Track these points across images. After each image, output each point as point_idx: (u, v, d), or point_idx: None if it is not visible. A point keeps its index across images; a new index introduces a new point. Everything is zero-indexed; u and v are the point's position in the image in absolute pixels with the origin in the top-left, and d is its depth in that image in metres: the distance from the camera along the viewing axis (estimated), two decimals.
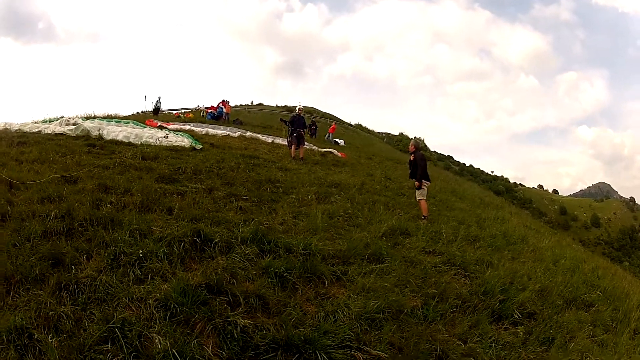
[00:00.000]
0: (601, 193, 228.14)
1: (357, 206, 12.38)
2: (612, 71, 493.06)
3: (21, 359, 4.72)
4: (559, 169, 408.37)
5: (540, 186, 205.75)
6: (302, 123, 24.05)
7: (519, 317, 7.33)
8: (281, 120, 31.40)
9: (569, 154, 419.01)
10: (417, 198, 13.76)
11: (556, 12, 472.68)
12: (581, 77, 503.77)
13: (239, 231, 8.19)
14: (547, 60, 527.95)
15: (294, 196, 12.40)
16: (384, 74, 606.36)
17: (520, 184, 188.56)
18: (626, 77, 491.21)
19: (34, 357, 4.74)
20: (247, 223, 8.84)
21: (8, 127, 19.37)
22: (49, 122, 21.48)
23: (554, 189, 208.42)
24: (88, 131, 18.51)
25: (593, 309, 8.67)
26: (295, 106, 29.70)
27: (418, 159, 14.22)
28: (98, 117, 25.04)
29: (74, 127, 19.13)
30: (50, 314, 5.27)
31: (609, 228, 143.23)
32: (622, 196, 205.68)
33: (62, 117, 22.11)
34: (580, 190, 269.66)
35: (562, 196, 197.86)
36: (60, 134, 18.31)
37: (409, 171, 14.56)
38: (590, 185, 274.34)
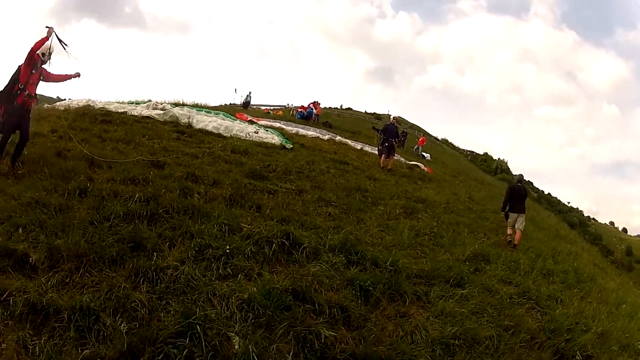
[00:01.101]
0: None
1: (442, 225, 12.29)
2: None
3: (80, 341, 4.66)
4: (633, 206, 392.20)
5: (612, 223, 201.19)
6: (394, 133, 23.59)
7: (579, 358, 7.28)
8: (373, 128, 31.40)
9: None
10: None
11: (637, 37, 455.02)
12: None
13: (327, 238, 8.16)
14: (629, 88, 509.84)
15: (382, 208, 12.34)
16: (472, 89, 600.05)
17: (593, 219, 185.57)
18: None
19: (96, 342, 4.69)
20: (336, 231, 8.81)
21: (91, 105, 19.49)
22: (136, 104, 21.41)
23: (624, 228, 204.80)
24: (177, 118, 18.63)
25: None
26: (389, 115, 28.74)
27: (506, 191, 15.51)
28: (187, 105, 25.23)
29: (162, 112, 19.21)
30: (122, 298, 5.28)
31: None
32: None
33: (149, 101, 22.34)
34: None
35: (630, 236, 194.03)
36: (147, 117, 18.30)
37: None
38: None
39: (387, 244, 9.23)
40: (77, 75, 10.26)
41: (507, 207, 14.76)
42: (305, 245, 7.54)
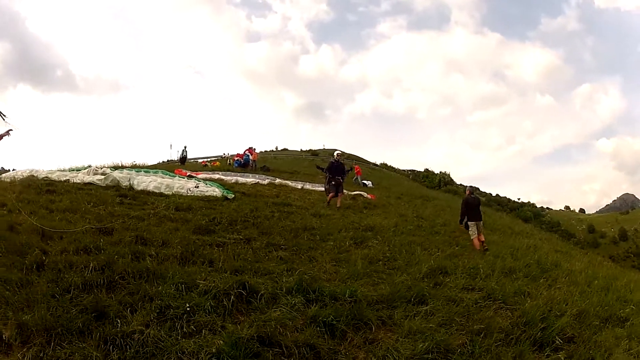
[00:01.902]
0: (626, 205, 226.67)
1: (394, 249, 12.40)
2: (623, 75, 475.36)
3: None
4: (583, 186, 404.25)
5: (567, 207, 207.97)
6: (341, 169, 22.26)
7: (559, 342, 7.58)
8: (318, 167, 30.59)
9: (592, 169, 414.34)
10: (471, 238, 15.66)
11: (563, 24, 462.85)
12: (595, 88, 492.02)
13: (283, 281, 8.25)
14: (561, 75, 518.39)
15: (332, 243, 12.42)
16: (403, 110, 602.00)
17: (547, 208, 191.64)
18: (638, 78, 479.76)
19: None
20: (289, 273, 8.92)
21: (34, 175, 19.39)
22: (77, 170, 21.59)
23: (581, 209, 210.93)
24: (118, 181, 18.60)
25: (628, 323, 8.97)
26: (324, 148, 26.45)
27: (466, 202, 16.53)
28: (126, 167, 25.24)
29: (102, 176, 19.17)
30: None
31: (636, 239, 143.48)
32: None
33: (89, 166, 22.36)
34: (606, 205, 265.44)
35: (589, 214, 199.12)
36: (90, 184, 18.33)
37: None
38: (615, 198, 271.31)
39: (343, 277, 9.32)
40: (8, 133, 10.27)
41: (465, 218, 15.91)
42: (262, 292, 7.58)
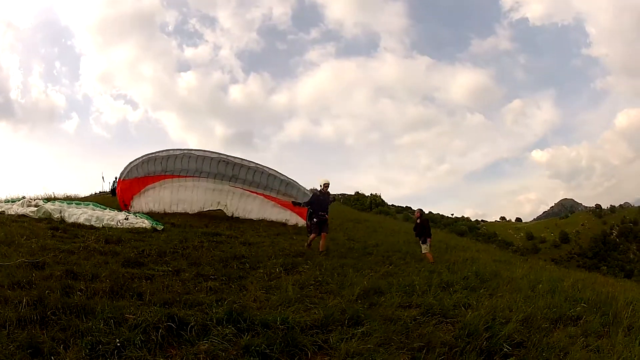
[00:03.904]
0: (565, 210, 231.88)
1: (326, 272, 12.30)
2: (558, 88, 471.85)
3: None
4: (518, 197, 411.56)
5: (503, 218, 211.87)
6: (326, 203, 18.17)
7: (508, 349, 7.47)
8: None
9: (527, 181, 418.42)
10: (423, 252, 17.09)
11: (494, 44, 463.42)
12: (527, 103, 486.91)
13: (213, 312, 8.02)
14: (491, 93, 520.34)
15: (262, 270, 12.26)
16: (332, 136, 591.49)
17: (482, 220, 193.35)
18: (573, 90, 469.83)
19: None
20: (219, 303, 8.68)
21: None
22: (11, 202, 21.69)
23: (517, 218, 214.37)
24: (50, 213, 18.49)
25: (581, 321, 9.04)
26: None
27: (424, 222, 18.08)
28: (58, 199, 24.76)
29: (35, 208, 19.04)
30: None
31: (579, 240, 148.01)
32: (587, 207, 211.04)
33: (23, 198, 22.08)
34: (544, 212, 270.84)
35: (526, 222, 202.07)
36: (23, 216, 18.35)
37: (415, 232, 18.44)
38: (553, 204, 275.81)
39: (274, 304, 9.11)
40: None
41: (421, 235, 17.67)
42: (192, 323, 7.37)
